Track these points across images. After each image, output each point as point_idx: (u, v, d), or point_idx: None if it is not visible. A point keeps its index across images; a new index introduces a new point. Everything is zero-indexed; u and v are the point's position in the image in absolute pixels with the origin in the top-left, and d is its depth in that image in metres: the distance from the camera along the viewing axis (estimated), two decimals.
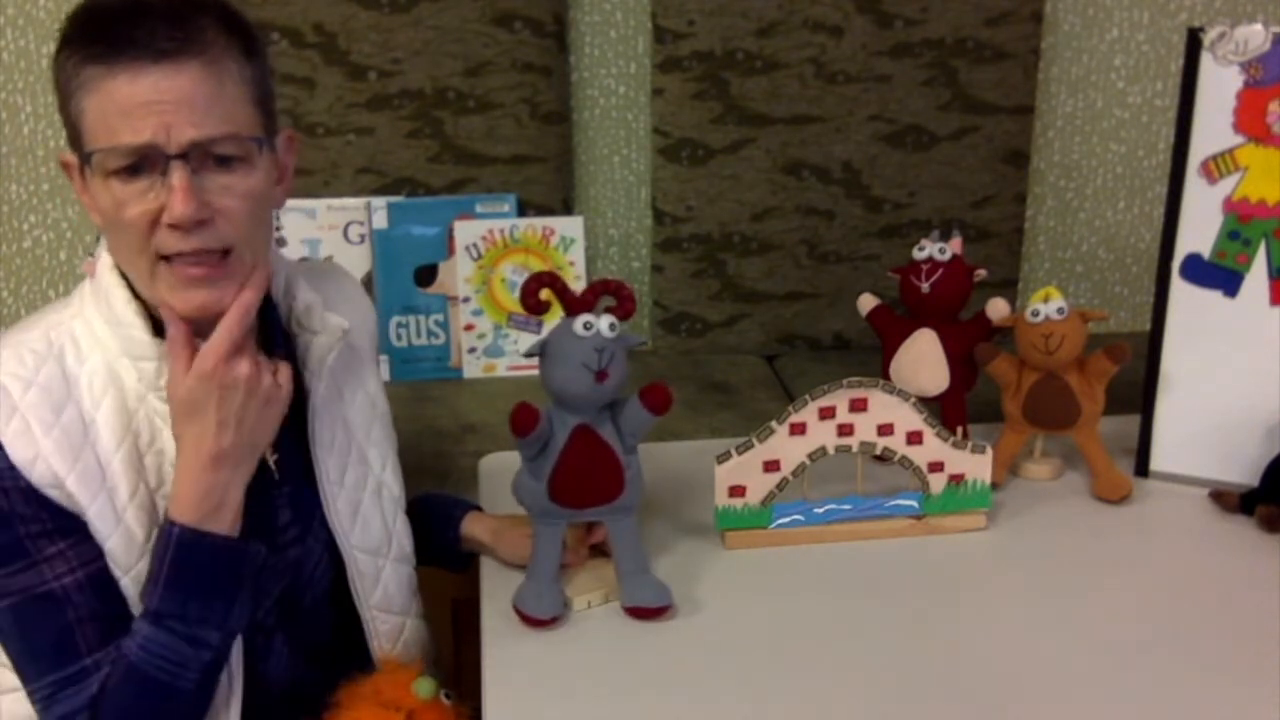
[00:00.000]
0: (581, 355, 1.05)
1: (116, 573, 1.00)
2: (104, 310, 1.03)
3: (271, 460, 1.09)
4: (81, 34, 0.95)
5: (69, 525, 0.98)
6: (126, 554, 1.00)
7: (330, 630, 1.19)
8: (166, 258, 0.97)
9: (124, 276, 1.03)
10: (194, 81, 0.94)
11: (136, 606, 1.01)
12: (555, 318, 1.10)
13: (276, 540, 1.10)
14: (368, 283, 1.98)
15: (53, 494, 0.97)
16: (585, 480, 1.10)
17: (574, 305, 1.09)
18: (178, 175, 0.94)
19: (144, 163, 0.95)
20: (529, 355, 1.10)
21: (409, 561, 1.21)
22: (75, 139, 0.98)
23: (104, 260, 1.04)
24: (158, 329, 1.02)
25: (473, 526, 1.26)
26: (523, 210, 2.03)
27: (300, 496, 1.12)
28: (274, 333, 1.11)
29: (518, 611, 1.12)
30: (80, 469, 0.98)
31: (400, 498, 1.21)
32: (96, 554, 0.99)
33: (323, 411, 1.13)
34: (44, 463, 0.96)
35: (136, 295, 1.02)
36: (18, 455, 0.96)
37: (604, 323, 1.06)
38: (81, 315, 1.04)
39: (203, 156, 0.96)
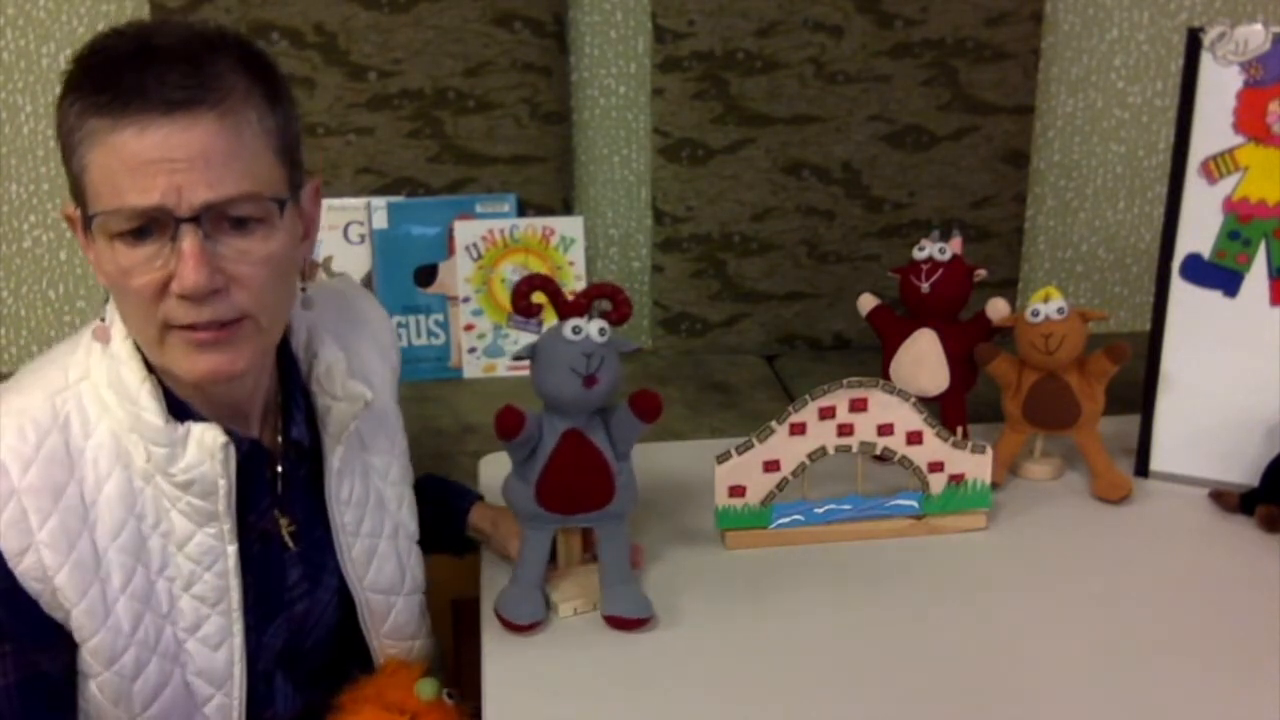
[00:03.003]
0: (570, 360, 1.04)
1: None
2: (115, 382, 0.95)
3: (287, 532, 1.05)
4: (85, 80, 0.87)
5: (19, 630, 0.93)
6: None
7: (338, 661, 1.15)
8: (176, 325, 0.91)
9: (137, 346, 0.96)
10: (209, 135, 0.85)
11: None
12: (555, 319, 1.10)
13: (284, 598, 1.06)
14: (367, 283, 1.98)
15: (34, 588, 0.91)
16: (574, 485, 1.09)
17: (566, 309, 1.07)
18: (189, 241, 0.86)
19: (152, 225, 0.87)
20: (519, 358, 1.09)
21: (421, 589, 1.17)
22: (79, 195, 0.90)
23: (119, 327, 0.96)
24: (172, 408, 0.96)
25: (478, 517, 1.27)
26: (523, 210, 2.03)
27: (309, 551, 1.08)
28: (293, 391, 1.06)
29: (498, 617, 1.11)
30: (74, 559, 0.92)
31: (415, 531, 1.16)
32: (34, 663, 0.94)
33: (343, 472, 1.08)
34: (35, 554, 0.91)
35: (150, 369, 0.96)
36: (9, 545, 0.90)
37: (594, 327, 1.05)
38: (89, 380, 0.96)
39: (217, 219, 0.88)
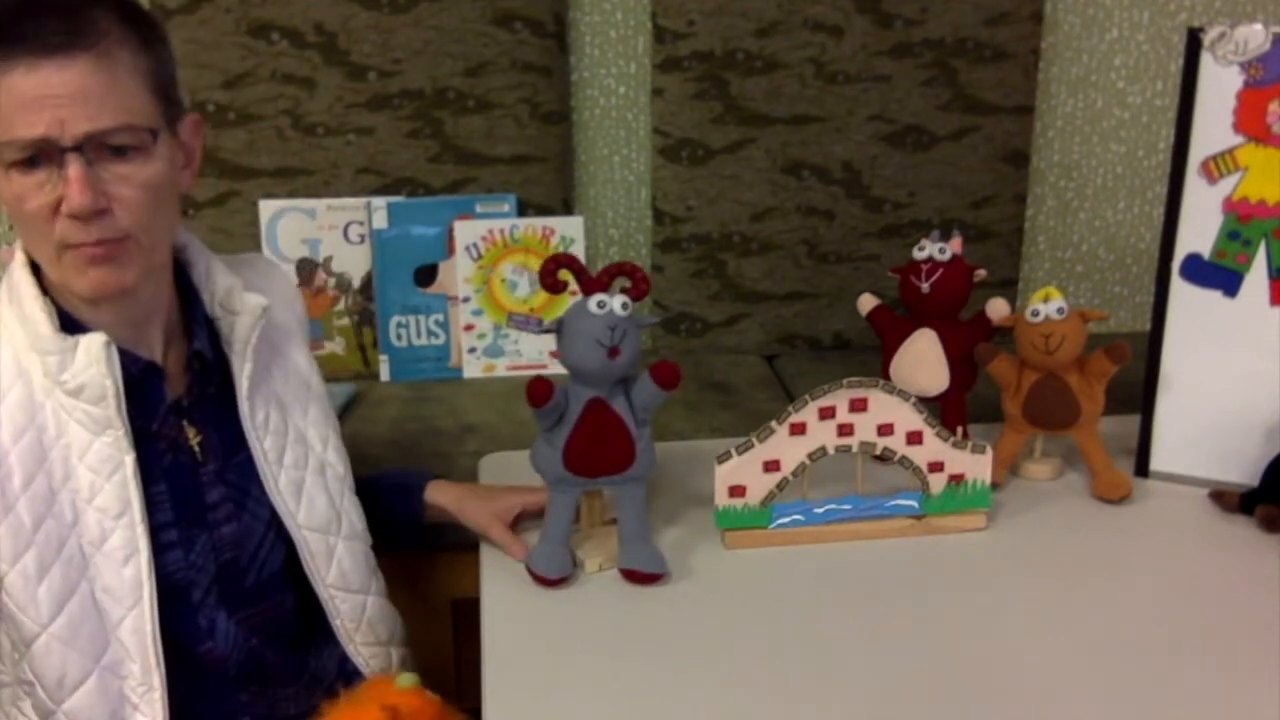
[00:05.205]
0: (595, 332, 1.11)
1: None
2: (15, 302, 1.06)
3: (194, 442, 1.11)
4: None
5: None
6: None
7: (290, 611, 1.20)
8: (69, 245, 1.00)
9: (35, 270, 1.06)
10: (85, 74, 0.96)
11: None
12: (557, 312, 1.12)
13: (206, 517, 1.12)
14: (367, 282, 1.98)
15: None
16: (597, 450, 1.16)
17: (590, 285, 1.14)
18: (73, 167, 0.96)
19: (40, 155, 0.97)
20: (546, 331, 1.15)
21: (362, 539, 1.22)
22: None
23: (18, 255, 1.07)
24: (64, 323, 1.05)
25: (437, 494, 1.31)
26: (523, 210, 2.03)
27: (230, 474, 1.14)
28: (197, 316, 1.14)
29: (530, 572, 1.17)
30: None
31: (346, 477, 1.23)
32: None
33: (252, 392, 1.15)
34: None
35: (45, 290, 1.06)
36: None
37: (617, 302, 1.12)
38: None
39: (98, 147, 0.98)
